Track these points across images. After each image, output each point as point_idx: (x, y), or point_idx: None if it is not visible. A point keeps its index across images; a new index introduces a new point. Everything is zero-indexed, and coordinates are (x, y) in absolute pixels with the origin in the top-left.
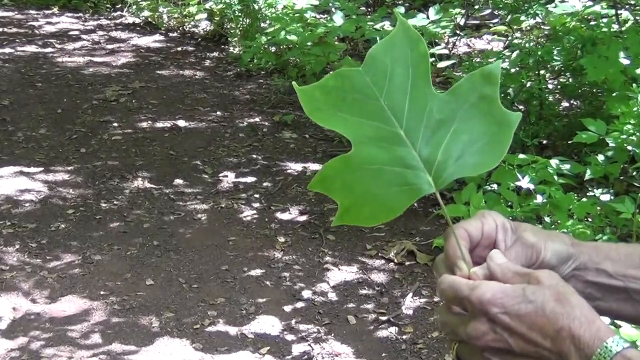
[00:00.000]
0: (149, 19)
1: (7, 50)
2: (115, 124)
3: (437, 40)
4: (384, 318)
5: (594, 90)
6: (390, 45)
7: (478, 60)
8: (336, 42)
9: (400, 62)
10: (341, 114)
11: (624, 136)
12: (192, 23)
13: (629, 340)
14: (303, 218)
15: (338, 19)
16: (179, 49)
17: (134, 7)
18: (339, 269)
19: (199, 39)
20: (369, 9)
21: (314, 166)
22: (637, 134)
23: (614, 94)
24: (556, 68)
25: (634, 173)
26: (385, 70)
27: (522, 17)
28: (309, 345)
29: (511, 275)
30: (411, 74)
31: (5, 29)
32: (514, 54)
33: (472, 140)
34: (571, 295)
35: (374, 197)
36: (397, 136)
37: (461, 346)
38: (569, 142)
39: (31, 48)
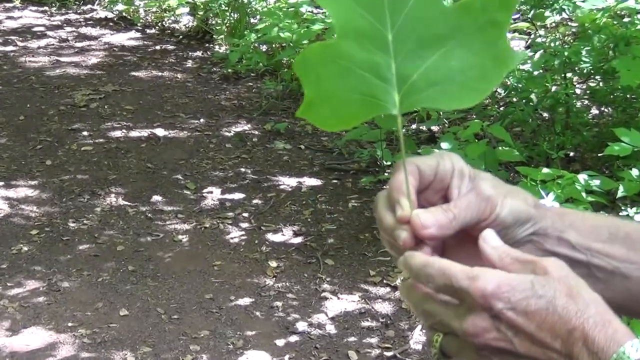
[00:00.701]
0: (124, 14)
1: None
2: (85, 133)
3: None
4: (389, 354)
5: (628, 96)
6: None
7: None
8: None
9: None
10: None
11: None
12: (173, 18)
13: None
14: (298, 240)
15: None
16: (158, 47)
17: (107, 0)
18: (339, 298)
19: (180, 37)
20: None
21: (310, 181)
22: None
23: None
24: (585, 71)
25: None
26: None
27: (547, 13)
28: None
29: (510, 261)
30: None
31: None
32: (537, 55)
33: (460, 69)
34: (584, 290)
35: (335, 99)
36: (383, 39)
37: (449, 339)
38: (600, 154)
39: None
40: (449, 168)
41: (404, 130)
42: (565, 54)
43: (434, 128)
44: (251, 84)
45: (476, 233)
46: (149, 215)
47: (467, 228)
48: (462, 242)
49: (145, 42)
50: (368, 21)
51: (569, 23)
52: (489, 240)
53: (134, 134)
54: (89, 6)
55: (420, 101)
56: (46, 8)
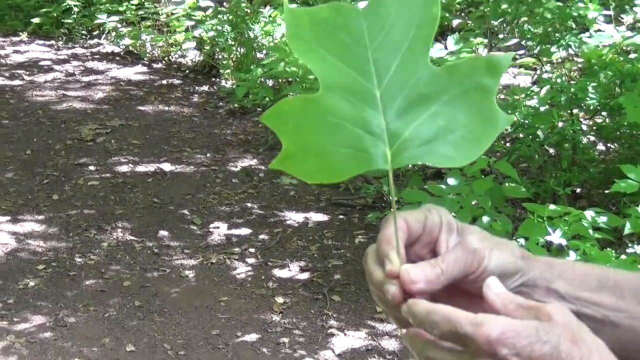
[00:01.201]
0: (130, 48)
1: None
2: (91, 168)
3: None
4: None
5: (634, 133)
6: None
7: (502, 97)
8: None
9: (405, 18)
10: (322, 51)
11: None
12: (179, 53)
13: None
14: (304, 276)
15: None
16: (164, 82)
17: (113, 34)
18: (345, 335)
19: (187, 71)
20: None
21: (316, 216)
22: None
23: None
24: (591, 107)
25: None
26: (385, 21)
27: (553, 49)
28: None
29: (514, 307)
30: (412, 35)
31: None
32: (544, 91)
33: (449, 128)
34: (587, 336)
35: (322, 152)
36: (371, 95)
37: None
38: (606, 191)
39: None
40: (437, 222)
41: (409, 165)
42: (572, 90)
43: None
44: (257, 118)
45: (464, 286)
46: (156, 250)
47: (456, 281)
48: (451, 296)
49: (151, 77)
50: (353, 77)
51: (575, 59)
52: (493, 287)
53: (141, 168)
54: (96, 40)
55: (411, 158)
56: (53, 42)
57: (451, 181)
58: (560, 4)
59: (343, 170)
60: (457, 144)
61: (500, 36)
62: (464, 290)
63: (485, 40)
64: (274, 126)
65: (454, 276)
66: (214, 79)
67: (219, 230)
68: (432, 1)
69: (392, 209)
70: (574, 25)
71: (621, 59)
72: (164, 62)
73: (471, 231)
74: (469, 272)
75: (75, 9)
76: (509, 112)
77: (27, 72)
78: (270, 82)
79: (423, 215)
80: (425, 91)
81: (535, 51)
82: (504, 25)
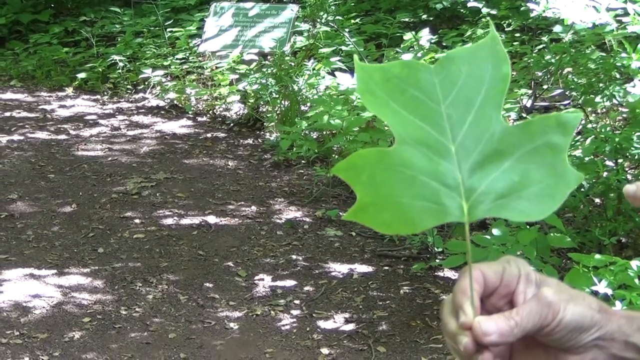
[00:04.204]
0: (175, 102)
1: (16, 137)
2: (137, 221)
3: None
4: None
5: None
6: (473, 54)
7: None
8: (386, 127)
9: (476, 76)
10: (394, 105)
11: None
12: (224, 106)
13: None
14: (349, 327)
15: None
16: (209, 135)
17: (158, 88)
18: None
19: (231, 124)
20: None
21: (361, 267)
22: None
23: None
24: (636, 156)
25: None
26: (457, 78)
27: (597, 99)
28: None
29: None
30: (484, 92)
31: (14, 114)
32: (588, 141)
33: (523, 184)
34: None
35: (397, 204)
36: (446, 149)
37: None
38: None
39: (43, 135)
40: (515, 273)
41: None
42: (616, 139)
43: None
44: (302, 171)
45: (540, 339)
46: (201, 302)
47: (531, 334)
48: (528, 347)
49: (196, 130)
50: (428, 132)
51: (620, 109)
52: None
53: (186, 221)
54: (141, 95)
55: (487, 212)
56: (98, 97)
57: (496, 232)
58: (603, 54)
59: (419, 221)
60: (531, 199)
61: (545, 87)
62: (540, 342)
63: (530, 91)
64: (347, 177)
65: (528, 329)
66: (258, 132)
67: (264, 282)
68: (502, 60)
69: (468, 261)
70: (617, 75)
71: None
72: (208, 115)
73: (548, 283)
74: (544, 324)
75: (121, 64)
76: None
77: (73, 127)
78: (314, 135)
79: (501, 267)
80: (498, 147)
81: (580, 101)
82: (548, 75)
